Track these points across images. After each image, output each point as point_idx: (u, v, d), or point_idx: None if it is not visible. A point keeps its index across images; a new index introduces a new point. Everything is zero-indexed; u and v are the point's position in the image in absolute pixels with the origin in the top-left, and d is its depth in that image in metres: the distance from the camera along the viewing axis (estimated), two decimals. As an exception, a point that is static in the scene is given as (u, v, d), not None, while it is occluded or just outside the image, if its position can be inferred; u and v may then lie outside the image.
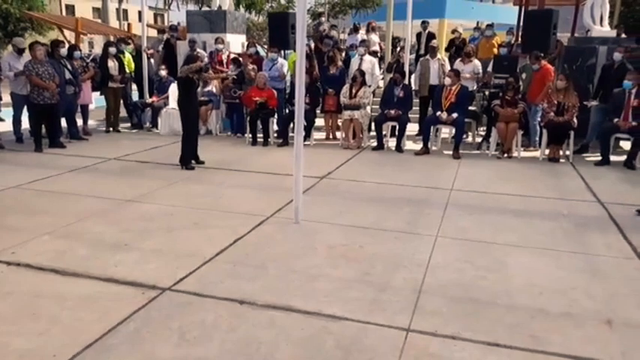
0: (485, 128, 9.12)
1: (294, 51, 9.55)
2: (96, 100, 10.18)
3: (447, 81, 8.29)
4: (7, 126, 8.83)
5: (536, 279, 3.75)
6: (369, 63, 9.58)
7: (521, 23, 12.21)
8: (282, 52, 9.81)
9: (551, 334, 3.01)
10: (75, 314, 3.18)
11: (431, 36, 12.13)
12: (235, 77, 9.34)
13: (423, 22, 12.71)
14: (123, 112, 10.21)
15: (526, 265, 4.01)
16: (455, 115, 8.09)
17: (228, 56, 10.28)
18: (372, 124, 9.06)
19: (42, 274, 3.74)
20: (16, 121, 8.55)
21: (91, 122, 9.89)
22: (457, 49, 12.03)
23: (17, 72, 8.05)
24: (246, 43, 11.22)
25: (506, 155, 8.01)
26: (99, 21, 29.66)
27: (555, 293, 3.54)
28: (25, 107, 8.25)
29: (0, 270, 3.79)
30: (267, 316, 3.20)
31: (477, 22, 27.18)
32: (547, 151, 7.94)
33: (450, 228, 4.80)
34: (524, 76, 8.84)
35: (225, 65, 10.05)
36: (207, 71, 9.11)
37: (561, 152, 7.95)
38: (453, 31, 12.82)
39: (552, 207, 5.55)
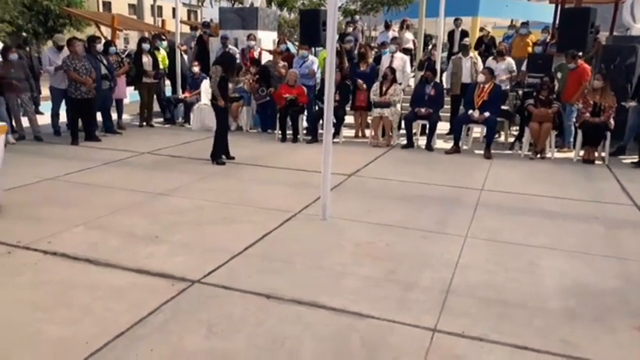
0: (517, 128, 8.96)
1: (325, 48, 9.57)
2: (130, 95, 10.39)
3: (481, 78, 8.17)
4: (46, 119, 9.08)
5: (568, 282, 3.68)
6: (400, 60, 9.51)
7: (557, 21, 11.96)
8: (313, 49, 9.81)
9: (582, 340, 2.95)
10: (106, 304, 3.26)
11: (464, 34, 11.98)
12: (258, 76, 9.40)
13: (456, 20, 12.56)
14: (156, 107, 10.39)
15: (558, 268, 3.93)
16: (487, 113, 7.98)
17: (260, 53, 10.35)
18: (402, 122, 9.00)
19: (76, 264, 3.84)
20: (55, 115, 8.80)
21: (125, 116, 10.10)
22: (486, 47, 11.83)
23: (57, 66, 8.28)
24: (277, 40, 11.28)
25: (539, 156, 7.86)
26: (134, 17, 30.22)
27: (587, 297, 3.46)
28: (63, 101, 8.48)
29: (37, 259, 3.91)
30: (294, 311, 3.22)
31: (512, 21, 26.72)
32: (582, 153, 7.76)
33: (479, 229, 4.74)
34: (559, 75, 8.65)
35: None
36: (239, 69, 9.23)
37: (597, 154, 7.75)
38: (481, 29, 12.61)
39: (586, 209, 5.42)
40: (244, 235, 4.43)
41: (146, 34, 11.48)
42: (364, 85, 8.97)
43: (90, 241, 4.28)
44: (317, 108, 9.20)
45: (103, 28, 15.16)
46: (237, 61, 10.04)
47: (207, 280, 3.60)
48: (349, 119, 9.62)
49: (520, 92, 9.04)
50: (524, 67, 9.34)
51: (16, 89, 8.10)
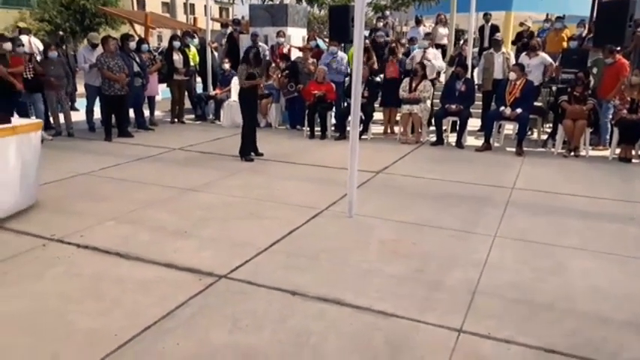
0: (551, 125, 8.76)
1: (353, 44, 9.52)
2: (162, 92, 10.57)
3: (512, 75, 8.02)
4: (81, 115, 9.33)
5: (599, 284, 3.59)
6: (432, 55, 9.39)
7: (594, 15, 11.61)
8: (342, 45, 9.79)
9: (612, 344, 2.88)
10: (135, 297, 3.34)
11: (494, 29, 11.73)
12: (287, 71, 9.44)
13: (485, 15, 12.33)
14: (187, 104, 10.54)
15: (589, 270, 3.83)
16: (519, 110, 7.82)
17: (289, 49, 10.38)
18: (432, 119, 8.91)
19: (107, 257, 3.94)
20: (89, 111, 9.03)
21: (157, 113, 10.27)
22: (525, 42, 11.58)
23: (91, 64, 8.49)
24: (307, 37, 11.29)
25: (573, 154, 7.66)
26: (167, 15, 30.70)
27: (619, 300, 3.37)
28: (98, 98, 8.68)
29: (70, 252, 4.02)
30: (318, 308, 3.23)
31: (547, 15, 26.08)
32: (618, 151, 7.53)
33: (509, 228, 4.66)
34: (595, 70, 8.41)
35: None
36: (269, 65, 9.28)
37: (634, 152, 7.51)
38: (521, 24, 12.33)
39: (621, 210, 5.27)
40: (271, 231, 4.46)
41: (178, 32, 11.58)
42: (393, 59, 8.90)
43: (121, 235, 4.38)
44: (346, 104, 9.18)
45: (136, 26, 15.47)
46: (267, 57, 10.13)
47: (233, 276, 3.64)
48: (379, 115, 9.58)
49: (554, 88, 8.82)
50: (557, 63, 9.11)
51: (56, 86, 8.33)
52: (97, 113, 8.95)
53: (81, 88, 9.54)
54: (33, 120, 5.42)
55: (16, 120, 5.09)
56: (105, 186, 5.87)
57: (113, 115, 8.47)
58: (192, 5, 37.28)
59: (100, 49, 8.58)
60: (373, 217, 4.91)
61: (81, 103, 9.99)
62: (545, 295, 3.43)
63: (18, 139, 4.77)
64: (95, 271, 3.71)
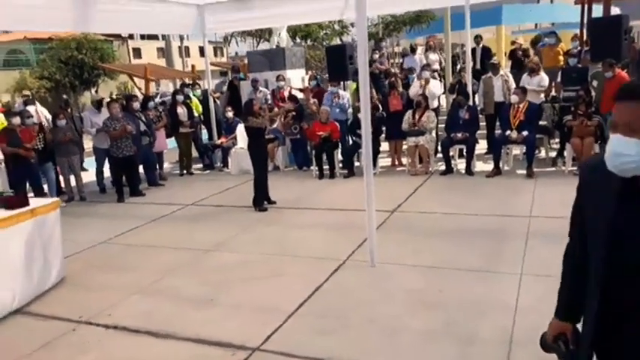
0: (558, 141, 8.77)
1: (353, 81, 9.66)
2: (169, 142, 10.67)
3: (514, 99, 8.08)
4: (91, 176, 9.43)
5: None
6: (434, 88, 9.48)
7: (586, 28, 11.73)
8: (342, 83, 9.91)
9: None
10: (171, 381, 3.33)
11: (486, 50, 11.80)
12: (294, 112, 9.55)
13: (476, 37, 12.45)
14: (195, 153, 10.64)
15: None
16: (525, 133, 7.86)
17: (290, 92, 10.51)
18: (439, 147, 8.95)
19: (137, 338, 3.93)
20: (99, 173, 9.15)
21: (165, 165, 10.37)
22: (518, 60, 11.69)
23: (98, 128, 8.62)
24: (306, 77, 11.43)
25: (584, 171, 7.63)
26: (163, 61, 31.19)
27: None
28: (107, 159, 8.79)
29: (100, 335, 4.02)
30: (355, 376, 3.21)
31: (536, 25, 26.32)
32: (629, 164, 7.51)
33: (533, 263, 4.63)
34: (595, 83, 8.44)
35: (287, 101, 10.26)
36: (271, 110, 9.38)
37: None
38: (513, 43, 12.44)
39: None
40: (295, 291, 4.45)
41: (178, 82, 11.82)
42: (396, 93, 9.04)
43: (146, 310, 4.39)
44: (351, 141, 9.25)
45: (135, 78, 15.73)
46: (269, 102, 10.25)
47: (266, 347, 3.63)
48: (384, 146, 9.63)
49: (557, 107, 8.86)
50: (559, 79, 9.17)
51: (67, 153, 8.42)
52: (107, 173, 9.05)
53: (88, 147, 9.70)
54: (50, 200, 5.46)
55: (33, 200, 5.15)
56: (124, 254, 5.90)
57: (123, 176, 8.55)
58: (187, 48, 37.87)
59: (104, 111, 8.72)
60: (395, 263, 4.90)
61: (89, 162, 10.11)
62: (581, 338, 3.38)
63: (37, 222, 4.82)
64: (128, 355, 3.71)
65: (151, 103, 9.56)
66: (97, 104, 9.34)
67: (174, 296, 4.63)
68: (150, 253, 5.88)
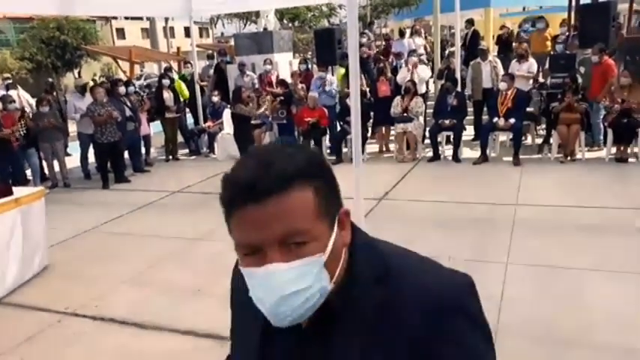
0: (544, 127, 8.82)
1: (341, 66, 9.57)
2: (153, 126, 10.53)
3: (502, 86, 8.08)
4: (75, 161, 9.29)
5: (619, 310, 3.60)
6: (422, 72, 9.44)
7: (573, 12, 11.75)
8: (330, 68, 9.83)
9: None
10: (161, 374, 3.32)
11: (476, 34, 11.74)
12: (282, 97, 9.48)
13: (467, 22, 12.40)
14: (180, 139, 10.52)
15: (607, 293, 3.85)
16: (512, 120, 7.87)
17: (277, 77, 10.41)
18: (427, 134, 8.94)
19: (126, 329, 3.91)
20: (84, 159, 9.01)
21: (152, 150, 10.25)
22: (504, 44, 11.67)
23: (82, 114, 8.47)
24: (294, 61, 11.31)
25: (569, 158, 7.71)
26: (148, 42, 30.69)
27: (642, 327, 3.39)
28: (91, 145, 8.66)
29: (87, 326, 3.99)
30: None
31: (524, 8, 26.30)
32: (613, 150, 7.60)
33: (520, 252, 4.67)
34: (582, 69, 8.48)
35: (274, 86, 10.17)
36: (259, 95, 9.30)
37: (629, 151, 7.58)
38: (501, 27, 12.41)
39: (626, 219, 5.30)
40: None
41: (163, 65, 11.62)
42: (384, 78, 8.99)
43: (135, 300, 4.36)
44: (339, 127, 9.21)
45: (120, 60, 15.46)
46: (256, 86, 10.14)
47: (255, 339, 3.61)
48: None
49: (544, 94, 8.88)
50: (547, 66, 9.19)
51: (50, 139, 8.27)
52: (92, 159, 8.92)
53: (72, 131, 9.55)
54: (34, 189, 5.37)
55: (17, 189, 5.05)
56: (111, 243, 5.85)
57: (108, 162, 8.44)
58: (172, 28, 37.24)
59: (88, 96, 8.56)
60: (384, 253, 4.90)
61: (73, 147, 9.96)
62: (567, 328, 3.44)
63: (22, 211, 4.75)
64: (116, 346, 3.69)
65: (131, 88, 9.39)
66: (81, 89, 9.16)
67: (163, 287, 4.60)
68: (137, 242, 5.83)
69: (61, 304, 4.33)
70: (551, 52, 9.77)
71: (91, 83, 9.89)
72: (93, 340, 3.80)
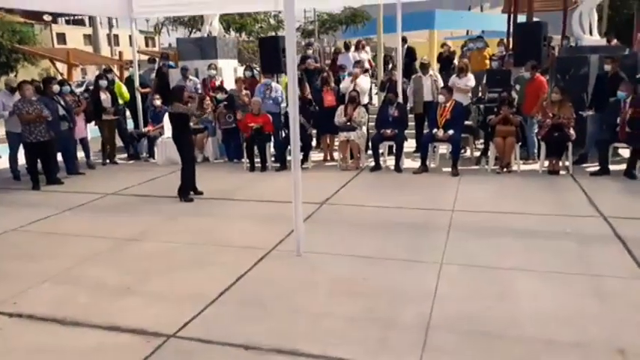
0: (482, 142, 9.12)
1: (286, 74, 9.57)
2: (91, 131, 10.15)
3: (441, 98, 8.31)
4: (4, 163, 8.80)
5: (543, 306, 3.70)
6: (365, 83, 9.58)
7: (512, 33, 12.28)
8: (275, 76, 9.82)
9: (564, 369, 2.96)
10: (78, 370, 3.13)
11: (410, 51, 12.04)
12: (225, 102, 9.37)
13: (402, 40, 12.69)
14: (119, 143, 10.19)
15: (533, 291, 3.95)
16: (451, 132, 8.08)
17: (222, 82, 10.29)
18: (369, 145, 9.04)
19: (43, 326, 3.68)
20: (13, 159, 8.54)
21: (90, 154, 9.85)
22: (444, 62, 12.07)
23: (10, 111, 8.04)
24: (239, 68, 11.23)
25: (505, 170, 7.98)
26: (90, 48, 29.73)
27: (564, 321, 3.49)
28: (21, 145, 8.22)
29: (2, 323, 3.72)
30: (274, 362, 3.14)
31: (467, 31, 27.37)
32: (546, 164, 7.92)
33: (454, 253, 4.75)
34: (517, 87, 8.85)
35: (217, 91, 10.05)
36: (203, 99, 9.15)
37: (561, 164, 7.93)
38: (442, 45, 12.84)
39: (556, 224, 5.51)
40: (217, 280, 4.32)
41: (103, 68, 11.27)
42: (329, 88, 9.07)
43: (57, 298, 4.12)
44: (284, 135, 9.17)
45: (58, 63, 14.88)
46: (199, 91, 9.99)
47: (182, 334, 3.48)
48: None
49: (482, 107, 9.20)
50: (484, 82, 9.53)
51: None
52: (22, 159, 8.47)
53: (1, 133, 9.05)
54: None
55: None
56: (36, 242, 5.53)
57: (40, 162, 8.04)
58: (117, 36, 36.39)
59: (18, 95, 8.15)
60: (322, 253, 4.88)
61: (2, 149, 9.43)
62: (495, 323, 3.49)
63: None
64: (32, 343, 3.45)
65: (66, 88, 9.01)
66: (11, 87, 8.70)
67: (90, 285, 4.37)
68: (65, 241, 5.54)
69: (-26, 302, 4.03)
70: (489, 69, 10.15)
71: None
72: (6, 337, 3.55)
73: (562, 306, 3.70)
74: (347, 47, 12.95)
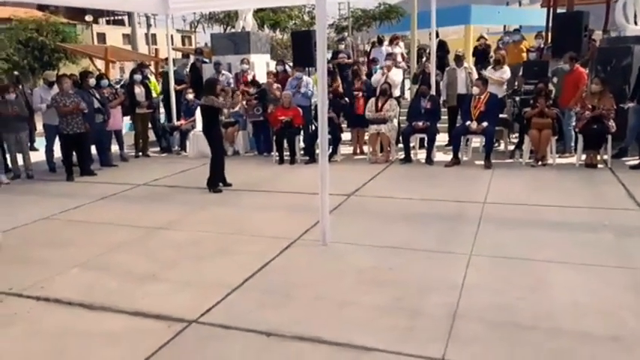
0: (517, 135, 8.86)
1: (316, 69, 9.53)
2: (127, 125, 10.33)
3: (475, 90, 8.11)
4: (41, 155, 9.03)
5: (579, 298, 3.53)
6: (396, 76, 9.44)
7: (550, 26, 11.91)
8: (307, 69, 9.77)
9: (599, 362, 2.81)
10: (101, 352, 3.14)
11: (442, 44, 11.77)
12: (257, 95, 9.39)
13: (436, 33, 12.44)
14: (152, 137, 10.33)
15: (568, 283, 3.78)
16: (485, 124, 7.88)
17: (254, 77, 10.31)
18: (400, 137, 8.91)
19: (70, 310, 3.72)
20: (49, 151, 8.75)
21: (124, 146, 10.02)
22: (480, 55, 11.77)
23: (48, 104, 8.24)
24: (272, 63, 11.23)
25: (540, 163, 7.73)
26: (129, 47, 30.38)
27: (601, 314, 3.32)
28: (57, 137, 8.41)
29: (30, 306, 3.78)
30: (296, 349, 3.09)
31: (504, 27, 26.78)
32: (584, 157, 7.63)
33: (484, 245, 4.60)
34: (555, 79, 8.56)
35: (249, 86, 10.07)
36: (233, 93, 9.17)
37: (599, 157, 7.62)
38: (479, 39, 12.53)
39: (593, 217, 5.29)
40: (243, 267, 4.30)
41: (137, 63, 11.45)
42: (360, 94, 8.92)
43: (86, 283, 4.16)
44: (313, 128, 9.12)
45: (97, 60, 15.21)
46: (231, 85, 10.03)
47: (204, 320, 3.46)
48: (347, 136, 9.56)
49: (517, 100, 8.94)
50: (520, 74, 9.26)
51: (14, 129, 8.03)
52: (58, 152, 8.67)
53: (39, 127, 9.30)
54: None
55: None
56: (67, 230, 5.63)
57: (75, 154, 8.21)
58: (154, 35, 37.03)
59: (56, 88, 8.34)
60: (348, 243, 4.80)
61: (40, 142, 9.70)
62: (527, 314, 3.35)
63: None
64: (57, 326, 3.49)
65: (104, 82, 9.16)
66: (49, 82, 8.92)
67: (118, 271, 4.41)
68: (96, 229, 5.63)
69: (5, 284, 4.11)
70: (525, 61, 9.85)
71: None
72: (33, 320, 3.60)
73: (599, 299, 3.53)
74: (380, 41, 12.80)
